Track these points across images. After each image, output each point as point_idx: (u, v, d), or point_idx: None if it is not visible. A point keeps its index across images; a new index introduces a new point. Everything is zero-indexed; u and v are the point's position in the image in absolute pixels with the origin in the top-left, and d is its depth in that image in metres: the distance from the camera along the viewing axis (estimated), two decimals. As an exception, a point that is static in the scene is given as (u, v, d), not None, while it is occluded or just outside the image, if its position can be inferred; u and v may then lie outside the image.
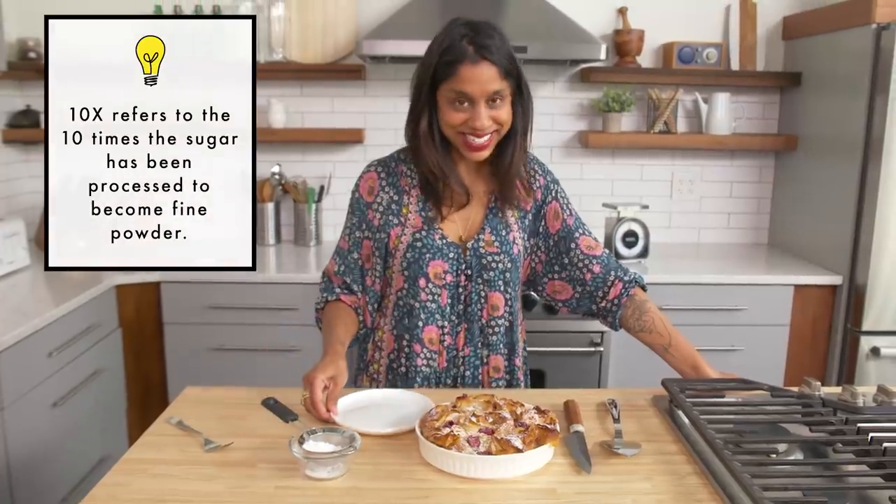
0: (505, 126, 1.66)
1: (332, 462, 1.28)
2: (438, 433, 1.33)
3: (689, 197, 3.63)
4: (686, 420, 1.48)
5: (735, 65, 3.46)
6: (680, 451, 1.41)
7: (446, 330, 1.76)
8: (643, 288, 1.86)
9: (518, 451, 1.29)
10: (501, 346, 1.80)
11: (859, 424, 1.39)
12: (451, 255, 1.74)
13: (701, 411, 1.44)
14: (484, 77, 1.58)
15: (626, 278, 1.82)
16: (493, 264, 1.75)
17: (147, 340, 2.97)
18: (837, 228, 3.01)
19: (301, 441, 1.31)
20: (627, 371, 2.96)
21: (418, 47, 2.95)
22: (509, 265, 1.76)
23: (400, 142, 3.58)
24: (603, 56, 3.02)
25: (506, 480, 1.28)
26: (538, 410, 1.42)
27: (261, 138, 3.36)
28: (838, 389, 1.60)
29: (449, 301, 1.75)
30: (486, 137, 1.64)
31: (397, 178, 1.78)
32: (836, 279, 2.99)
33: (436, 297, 1.74)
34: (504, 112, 1.64)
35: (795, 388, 1.60)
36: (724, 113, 3.40)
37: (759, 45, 3.49)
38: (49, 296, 2.60)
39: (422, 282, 1.73)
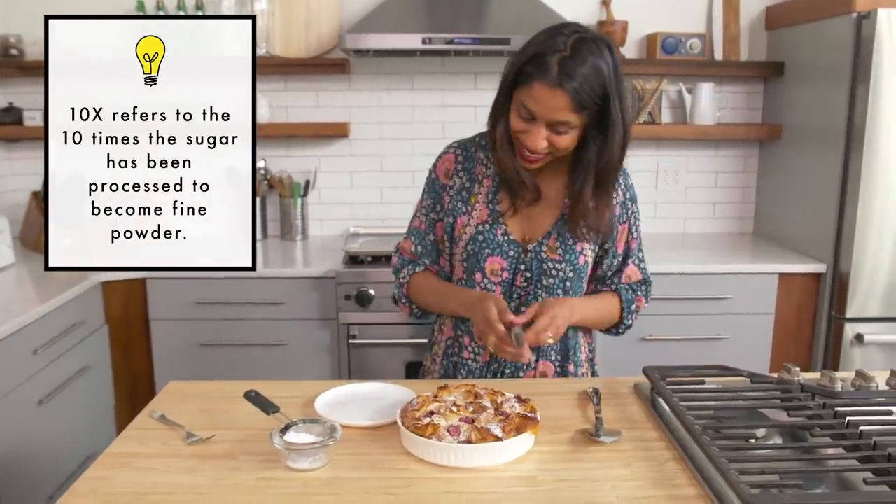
0: (562, 152, 1.60)
1: (313, 453, 1.29)
2: (419, 423, 1.34)
3: (674, 187, 3.64)
4: (666, 407, 1.49)
5: (719, 55, 3.47)
6: (660, 437, 1.42)
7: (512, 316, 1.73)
8: (622, 301, 1.82)
9: (498, 439, 1.30)
10: (553, 353, 1.77)
11: (837, 409, 1.41)
12: (512, 253, 1.71)
13: (681, 398, 1.46)
14: (553, 104, 1.52)
15: (611, 287, 1.82)
16: (554, 271, 1.71)
17: (134, 337, 2.96)
18: (821, 217, 3.03)
19: (282, 433, 1.31)
20: (613, 362, 2.97)
21: (402, 40, 3.02)
22: (571, 275, 1.72)
23: (385, 135, 3.63)
24: (586, 47, 3.02)
25: (486, 469, 1.29)
26: (519, 399, 1.43)
27: (245, 133, 3.38)
28: (818, 375, 1.61)
29: (502, 297, 1.71)
30: (537, 155, 1.61)
31: (473, 164, 1.76)
32: (820, 267, 3.01)
33: (490, 293, 1.72)
34: (565, 140, 1.57)
35: (775, 375, 1.61)
36: (709, 103, 3.41)
37: (742, 35, 3.50)
38: (34, 293, 2.60)
39: (478, 276, 1.72)
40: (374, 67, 3.47)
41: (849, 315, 2.90)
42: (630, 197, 1.79)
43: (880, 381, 1.55)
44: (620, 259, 1.80)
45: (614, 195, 1.73)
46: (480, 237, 1.71)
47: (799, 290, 3.05)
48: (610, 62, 1.53)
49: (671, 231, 3.69)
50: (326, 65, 3.38)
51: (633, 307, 1.83)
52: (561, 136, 1.57)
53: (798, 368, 1.59)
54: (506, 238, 1.71)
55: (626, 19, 3.38)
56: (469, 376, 1.77)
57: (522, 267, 1.72)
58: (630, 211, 1.78)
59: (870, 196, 2.80)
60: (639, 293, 1.84)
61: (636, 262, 1.83)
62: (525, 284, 1.73)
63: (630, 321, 1.84)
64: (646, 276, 1.85)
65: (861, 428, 1.31)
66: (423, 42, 2.96)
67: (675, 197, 3.66)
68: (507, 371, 1.76)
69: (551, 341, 1.61)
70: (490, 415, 1.37)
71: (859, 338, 2.90)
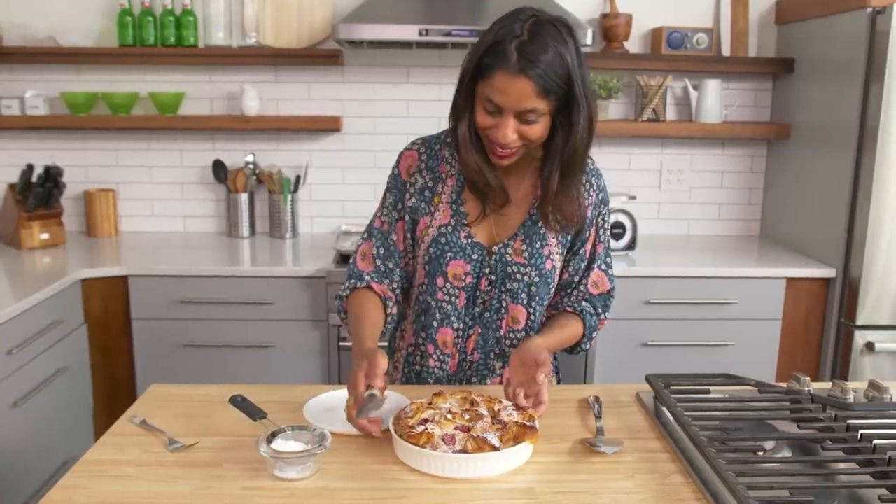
0: (535, 142, 1.56)
1: (301, 462, 1.27)
2: (412, 431, 1.32)
3: (678, 187, 3.64)
4: (670, 417, 1.48)
5: (726, 50, 3.46)
6: (663, 448, 1.41)
7: (461, 332, 1.73)
8: (585, 328, 1.77)
9: (495, 449, 1.28)
10: None
11: (849, 421, 1.40)
12: (475, 256, 1.68)
13: (685, 408, 1.45)
14: (518, 92, 1.48)
15: (576, 308, 1.77)
16: (518, 275, 1.69)
17: (114, 337, 2.94)
18: (831, 220, 3.02)
19: (269, 440, 1.30)
20: (614, 368, 2.96)
21: (398, 32, 3.01)
22: (536, 279, 1.70)
23: (379, 130, 3.61)
24: (589, 41, 3.01)
25: (483, 479, 1.28)
26: (517, 407, 1.42)
27: (234, 126, 3.39)
28: (828, 385, 1.60)
29: (465, 303, 1.71)
30: (509, 150, 1.57)
31: (437, 163, 1.72)
32: (829, 272, 3.00)
33: (453, 298, 1.70)
34: (536, 129, 1.53)
35: (784, 384, 1.60)
36: (715, 100, 3.40)
37: (750, 30, 3.49)
38: (10, 290, 2.57)
39: (440, 281, 1.70)
40: (369, 59, 3.46)
41: (859, 322, 2.90)
42: (602, 199, 1.76)
43: (894, 391, 1.54)
44: (585, 264, 1.77)
45: (586, 196, 1.70)
46: (443, 240, 1.69)
47: (807, 295, 3.04)
48: (571, 43, 1.50)
49: (675, 232, 3.68)
50: (319, 56, 3.36)
51: (595, 333, 1.80)
52: (531, 125, 1.52)
53: (808, 378, 1.58)
54: (469, 241, 1.68)
55: (631, 12, 3.37)
56: (437, 384, 1.75)
57: (487, 270, 1.69)
58: (601, 213, 1.75)
59: (882, 198, 2.79)
60: (602, 315, 1.80)
61: (603, 267, 1.79)
62: (489, 288, 1.70)
63: (588, 346, 1.81)
64: (612, 285, 1.81)
65: (875, 442, 1.30)
66: (420, 34, 2.94)
67: (679, 197, 3.65)
68: (474, 380, 1.76)
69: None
70: (487, 423, 1.36)
71: (870, 346, 2.89)
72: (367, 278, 1.72)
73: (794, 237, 3.35)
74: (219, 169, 3.46)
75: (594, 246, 1.77)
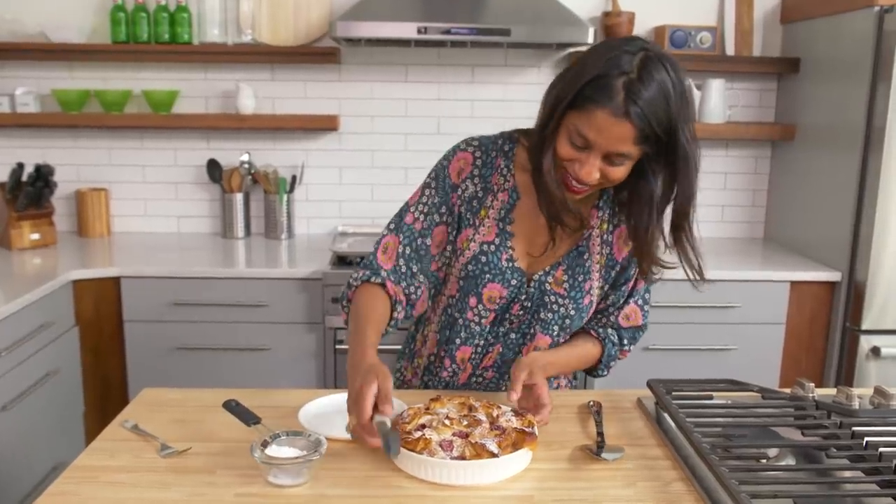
0: (613, 184, 1.49)
1: (296, 468, 1.27)
2: (409, 437, 1.32)
3: (681, 189, 3.63)
4: (672, 423, 1.48)
5: (730, 50, 3.47)
6: (665, 455, 1.41)
7: (479, 349, 1.69)
8: (603, 355, 1.75)
9: (493, 455, 1.28)
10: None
11: (854, 428, 1.40)
12: (514, 282, 1.62)
13: (687, 414, 1.44)
14: (617, 135, 1.39)
15: (599, 333, 1.73)
16: (555, 306, 1.63)
17: (106, 339, 2.94)
18: (836, 222, 3.02)
19: (263, 446, 1.29)
20: (615, 372, 2.95)
21: (396, 29, 3.01)
22: (573, 313, 1.65)
23: (377, 130, 3.62)
24: (591, 39, 3.00)
25: (481, 487, 1.27)
26: (515, 413, 1.42)
27: (229, 125, 3.38)
28: (833, 391, 1.60)
29: (492, 321, 1.67)
30: (585, 186, 1.49)
31: (491, 172, 1.62)
32: (834, 275, 3.00)
33: (482, 319, 1.66)
34: (620, 171, 1.45)
35: (788, 390, 1.60)
36: (719, 100, 3.40)
37: (755, 28, 3.49)
38: None
39: (472, 300, 1.64)
40: (366, 57, 3.46)
41: (865, 326, 2.90)
42: None
43: (900, 398, 1.54)
44: (625, 298, 1.72)
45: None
46: (483, 258, 1.61)
47: (812, 299, 3.04)
48: (678, 85, 1.41)
49: (678, 235, 3.67)
50: (316, 54, 3.36)
51: (613, 363, 1.77)
52: (616, 167, 1.45)
53: (812, 384, 1.58)
54: (510, 265, 1.61)
55: (633, 10, 3.38)
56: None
57: (523, 297, 1.64)
58: None
59: (888, 201, 2.80)
60: (626, 347, 1.77)
61: (640, 302, 1.74)
62: (521, 313, 1.66)
63: (604, 373, 1.78)
64: (645, 321, 1.76)
65: (881, 450, 1.30)
66: (419, 32, 2.95)
67: (682, 199, 3.64)
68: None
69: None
70: (485, 429, 1.36)
71: (876, 351, 2.89)
72: (384, 275, 1.61)
73: (798, 240, 3.36)
74: (213, 168, 3.46)
75: (635, 281, 1.71)
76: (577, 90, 1.41)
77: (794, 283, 3.02)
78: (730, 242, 3.59)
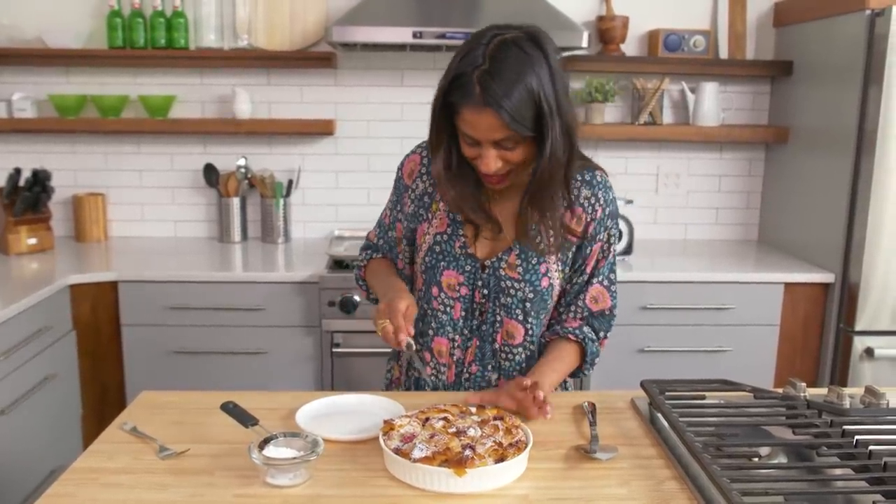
0: (522, 164, 1.55)
1: (293, 468, 1.28)
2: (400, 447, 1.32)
3: (675, 191, 3.66)
4: (665, 423, 1.49)
5: (724, 53, 3.49)
6: (658, 455, 1.42)
7: (457, 343, 1.73)
8: (584, 354, 1.75)
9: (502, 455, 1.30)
10: (516, 373, 1.74)
11: (844, 427, 1.41)
12: (468, 268, 1.69)
13: (681, 413, 1.46)
14: (486, 125, 1.47)
15: (577, 335, 1.73)
16: (512, 290, 1.68)
17: (104, 343, 2.95)
18: (830, 224, 3.04)
19: (261, 447, 1.31)
20: (610, 374, 2.97)
21: (392, 34, 3.02)
22: (531, 295, 1.68)
23: (373, 134, 3.63)
24: (585, 44, 3.02)
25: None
26: (507, 431, 1.40)
27: (225, 129, 3.39)
28: (825, 391, 1.62)
29: (462, 314, 1.71)
30: (496, 175, 1.57)
31: None
32: (828, 277, 3.02)
33: (448, 308, 1.71)
34: (518, 153, 1.52)
35: (780, 390, 1.62)
36: (713, 103, 3.42)
37: (748, 32, 3.51)
38: (-3, 296, 2.59)
39: (434, 290, 1.71)
40: (362, 62, 3.47)
41: (858, 328, 2.91)
42: (609, 213, 1.71)
43: (891, 397, 1.55)
44: (585, 279, 1.73)
45: (591, 210, 1.67)
46: (437, 248, 1.70)
47: (806, 300, 3.06)
48: (539, 60, 1.46)
49: (672, 237, 3.70)
50: (312, 59, 3.37)
51: (597, 359, 1.78)
52: (511, 151, 1.51)
53: (804, 384, 1.60)
54: (463, 251, 1.69)
55: (627, 15, 3.39)
56: (434, 392, 1.74)
57: (480, 283, 1.69)
58: (607, 229, 1.71)
59: (881, 202, 2.82)
60: (601, 334, 1.77)
61: (605, 282, 1.74)
62: (483, 301, 1.70)
63: (589, 371, 1.79)
64: (614, 303, 1.77)
65: (871, 447, 1.31)
66: (414, 36, 2.96)
67: (676, 202, 3.67)
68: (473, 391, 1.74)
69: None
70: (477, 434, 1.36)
71: (869, 352, 2.91)
72: (383, 251, 1.86)
73: (792, 242, 3.37)
74: (210, 173, 3.47)
75: (597, 261, 1.72)
76: (444, 95, 1.52)
77: (788, 285, 3.03)
78: (724, 244, 3.61)
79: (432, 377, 1.76)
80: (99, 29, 3.35)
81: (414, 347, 1.54)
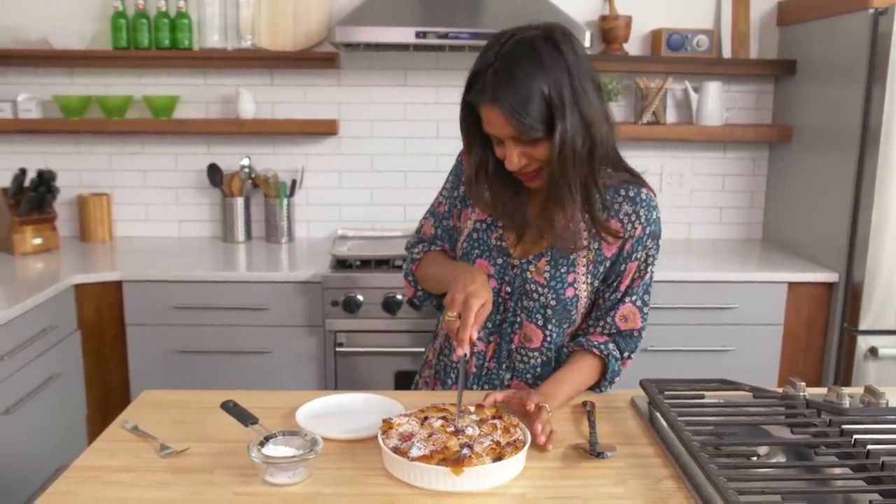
0: (545, 159, 1.51)
1: (292, 467, 1.29)
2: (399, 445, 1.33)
3: (679, 191, 3.65)
4: (664, 422, 1.49)
5: (727, 52, 3.48)
6: (656, 454, 1.42)
7: (480, 336, 1.71)
8: (605, 370, 1.71)
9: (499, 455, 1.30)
10: (530, 376, 1.74)
11: (843, 426, 1.41)
12: (500, 261, 1.70)
13: (679, 412, 1.46)
14: (499, 123, 1.48)
15: (602, 351, 1.69)
16: (535, 294, 1.67)
17: (108, 343, 2.96)
18: (833, 223, 3.04)
19: (261, 445, 1.32)
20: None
21: (395, 34, 3.03)
22: (553, 303, 1.67)
23: (376, 133, 3.63)
24: (588, 43, 3.03)
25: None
26: (505, 429, 1.41)
27: (229, 130, 3.40)
28: (825, 390, 1.62)
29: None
30: (526, 173, 1.56)
31: None
32: (832, 276, 3.01)
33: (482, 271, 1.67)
34: (540, 150, 1.50)
35: (780, 390, 1.62)
36: (716, 103, 3.42)
37: (752, 31, 3.51)
38: (2, 296, 2.59)
39: None
40: (365, 62, 3.48)
41: (862, 327, 2.91)
42: (650, 233, 1.67)
43: (891, 397, 1.56)
44: (619, 297, 1.70)
45: (630, 228, 1.64)
46: (475, 235, 1.72)
47: (809, 300, 3.05)
48: (551, 57, 1.46)
49: (675, 237, 3.69)
50: (315, 59, 3.38)
51: (617, 378, 1.74)
52: (533, 147, 1.51)
53: (803, 383, 1.60)
54: (498, 243, 1.70)
55: (630, 14, 3.39)
56: (456, 384, 1.75)
57: (507, 279, 1.70)
58: (646, 248, 1.67)
59: (885, 201, 2.81)
60: (626, 354, 1.73)
61: (638, 303, 1.71)
62: (507, 299, 1.70)
63: (606, 389, 1.74)
64: (643, 325, 1.73)
65: (869, 447, 1.32)
66: (417, 36, 2.96)
67: (679, 201, 3.67)
68: (486, 387, 1.75)
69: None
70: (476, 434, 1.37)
71: (873, 351, 2.91)
72: (440, 243, 1.83)
73: (796, 241, 3.37)
74: (214, 173, 3.48)
75: (632, 280, 1.69)
76: (464, 95, 1.55)
77: (791, 284, 3.03)
78: (728, 244, 3.61)
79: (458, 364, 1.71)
80: (103, 30, 3.37)
81: (467, 358, 1.51)
